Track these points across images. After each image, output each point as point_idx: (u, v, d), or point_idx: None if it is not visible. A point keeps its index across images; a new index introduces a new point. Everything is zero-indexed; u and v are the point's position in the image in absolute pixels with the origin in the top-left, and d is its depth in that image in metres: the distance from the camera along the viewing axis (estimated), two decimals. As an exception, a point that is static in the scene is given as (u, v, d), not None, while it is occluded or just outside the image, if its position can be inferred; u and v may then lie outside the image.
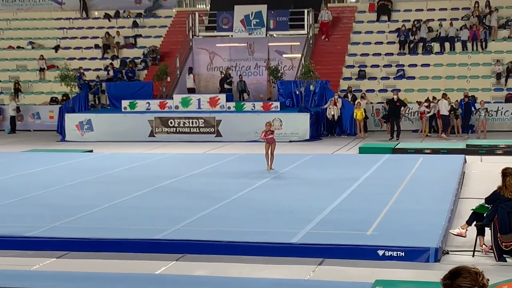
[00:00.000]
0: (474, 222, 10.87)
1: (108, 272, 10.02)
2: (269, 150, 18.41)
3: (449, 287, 4.20)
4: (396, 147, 22.66)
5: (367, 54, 33.27)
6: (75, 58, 35.54)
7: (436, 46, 32.97)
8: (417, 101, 28.66)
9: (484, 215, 10.70)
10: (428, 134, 27.32)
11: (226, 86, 31.73)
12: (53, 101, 33.79)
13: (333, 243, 10.70)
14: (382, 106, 29.03)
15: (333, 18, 34.77)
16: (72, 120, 28.36)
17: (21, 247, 11.20)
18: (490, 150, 21.91)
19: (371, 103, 29.84)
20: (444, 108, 27.09)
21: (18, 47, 37.20)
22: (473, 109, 27.68)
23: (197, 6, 38.36)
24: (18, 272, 9.97)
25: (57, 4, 39.04)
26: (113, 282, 9.43)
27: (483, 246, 10.58)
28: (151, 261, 10.49)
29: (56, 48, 36.57)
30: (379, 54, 33.17)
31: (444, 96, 27.65)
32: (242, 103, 28.75)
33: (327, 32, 33.00)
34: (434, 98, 28.17)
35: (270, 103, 28.38)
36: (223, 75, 32.10)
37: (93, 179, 17.51)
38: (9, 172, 18.65)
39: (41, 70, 35.27)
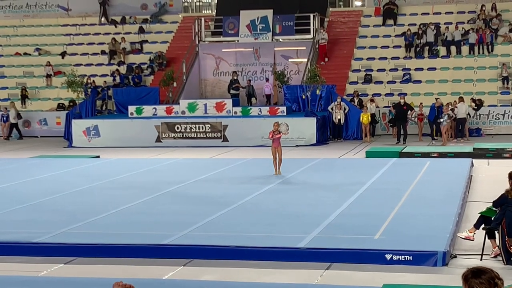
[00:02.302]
0: (482, 226, 10.83)
1: (116, 277, 10.00)
2: (276, 155, 18.42)
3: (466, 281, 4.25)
4: (403, 151, 22.61)
5: (373, 58, 33.25)
6: (81, 64, 35.64)
7: (442, 50, 32.94)
8: (447, 103, 27.47)
9: (492, 218, 10.67)
10: (435, 138, 27.16)
11: (232, 91, 31.75)
12: (60, 107, 33.86)
13: (340, 247, 10.67)
14: (389, 110, 29.00)
15: (339, 22, 34.79)
16: (79, 126, 28.42)
17: (29, 253, 11.22)
18: (497, 154, 21.85)
19: (377, 107, 29.78)
20: (462, 111, 27.04)
21: (25, 54, 37.32)
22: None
23: (203, 11, 38.44)
24: (26, 278, 9.99)
25: (64, 10, 39.16)
26: None
27: (496, 248, 10.51)
28: (159, 267, 10.50)
29: (63, 54, 36.68)
30: (385, 58, 33.15)
31: (462, 99, 27.61)
32: (249, 108, 28.76)
33: (325, 54, 32.56)
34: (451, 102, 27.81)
35: (277, 107, 28.38)
36: (235, 78, 32.05)
37: (100, 185, 17.53)
38: (16, 178, 18.69)
39: (48, 76, 35.37)
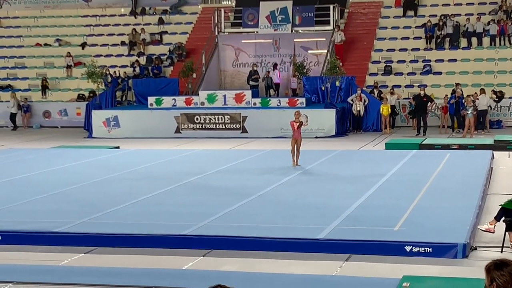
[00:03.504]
0: (503, 218, 10.77)
1: (135, 267, 10.08)
2: (295, 146, 18.38)
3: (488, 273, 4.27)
4: (423, 143, 22.54)
5: (393, 50, 33.10)
6: (101, 55, 35.74)
7: (463, 41, 32.71)
8: (468, 95, 27.32)
9: (513, 211, 10.60)
10: (460, 130, 26.95)
11: (251, 82, 31.71)
12: (80, 98, 34.03)
13: (360, 239, 10.66)
14: (409, 101, 28.88)
15: (359, 14, 34.65)
16: (99, 116, 28.55)
17: (50, 243, 11.30)
18: (519, 146, 21.70)
19: (398, 99, 29.62)
20: (483, 103, 26.87)
21: (45, 45, 37.49)
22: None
23: (223, 2, 38.38)
24: (47, 267, 10.07)
25: (84, 1, 39.27)
26: (140, 277, 9.49)
27: (512, 242, 10.48)
28: (179, 257, 10.54)
29: (83, 45, 36.82)
30: (406, 50, 32.98)
31: (483, 91, 27.42)
32: (268, 99, 28.74)
33: (341, 55, 31.87)
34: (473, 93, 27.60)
35: (296, 99, 28.34)
36: (254, 69, 31.93)
37: (120, 175, 17.61)
38: (36, 168, 18.82)
39: (68, 67, 35.52)
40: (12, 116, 32.57)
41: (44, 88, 34.63)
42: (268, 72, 32.07)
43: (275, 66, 31.92)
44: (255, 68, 32.06)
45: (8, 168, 19.05)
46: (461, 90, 27.75)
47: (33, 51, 37.26)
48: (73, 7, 39.18)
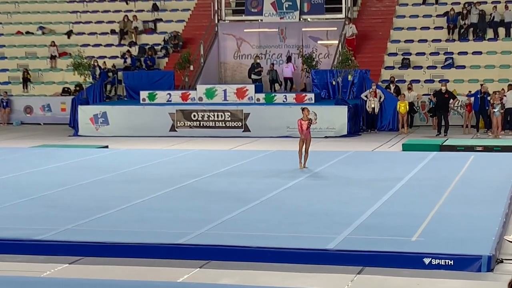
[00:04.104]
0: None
1: (126, 279, 10.10)
2: (304, 147, 18.38)
3: None
4: (444, 143, 22.55)
5: (412, 41, 33.09)
6: (89, 45, 35.79)
7: (489, 32, 32.69)
8: (494, 92, 27.00)
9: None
10: (486, 130, 26.88)
11: (253, 76, 31.71)
12: (65, 91, 34.08)
13: (373, 249, 10.67)
14: (429, 98, 28.88)
15: (374, 1, 34.65)
16: (85, 112, 28.59)
17: (31, 252, 11.31)
18: (550, 148, 21.70)
19: (418, 98, 29.48)
20: (510, 100, 26.87)
21: (27, 33, 37.53)
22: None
23: (224, -13, 38.41)
24: (28, 279, 10.08)
25: (70, -15, 39.33)
26: (131, 290, 9.51)
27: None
28: (173, 268, 10.55)
29: (69, 33, 36.85)
30: (425, 41, 32.98)
31: (510, 87, 27.43)
32: (273, 94, 28.77)
33: (354, 48, 31.52)
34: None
35: (304, 94, 28.35)
36: (257, 62, 31.91)
37: (109, 177, 17.64)
38: (17, 169, 18.85)
39: (52, 57, 35.57)
40: None
41: (26, 80, 34.68)
42: (273, 64, 32.08)
43: (288, 59, 31.85)
44: (257, 61, 32.07)
45: (-15, 169, 19.10)
46: (487, 86, 27.72)
47: (13, 40, 37.31)
48: (58, -8, 39.22)
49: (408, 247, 10.75)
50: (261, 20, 33.82)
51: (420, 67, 32.03)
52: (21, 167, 19.32)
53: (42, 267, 10.69)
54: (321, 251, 10.76)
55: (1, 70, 36.07)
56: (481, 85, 27.87)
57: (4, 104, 33.11)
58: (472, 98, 27.75)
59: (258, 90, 28.79)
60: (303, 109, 18.79)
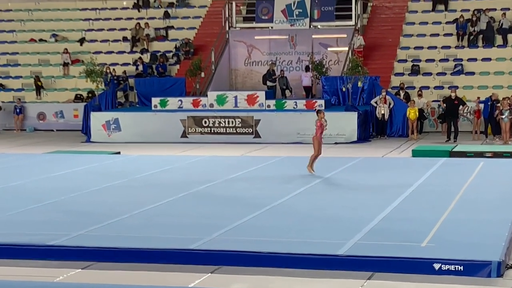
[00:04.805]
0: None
1: (137, 285, 10.10)
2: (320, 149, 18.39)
3: None
4: (453, 150, 22.50)
5: (422, 47, 33.05)
6: (101, 52, 35.90)
7: (498, 39, 32.62)
8: (503, 98, 26.90)
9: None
10: (495, 137, 26.75)
11: (269, 83, 31.66)
12: (78, 98, 34.16)
13: (384, 255, 10.64)
14: (438, 104, 28.82)
15: (384, 8, 34.63)
16: (98, 119, 28.66)
17: (44, 257, 11.33)
18: (559, 154, 21.62)
19: (427, 105, 29.35)
20: None
21: (40, 40, 37.69)
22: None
23: (234, -6, 38.47)
24: (41, 284, 10.10)
25: (83, -7, 39.46)
26: (143, 295, 9.52)
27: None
28: (184, 273, 10.55)
29: (81, 41, 36.98)
30: (435, 47, 32.93)
31: None
32: (283, 101, 28.76)
33: (362, 57, 31.35)
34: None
35: (314, 101, 28.34)
36: (273, 69, 31.85)
37: (121, 183, 17.67)
38: (30, 175, 18.91)
39: (65, 64, 35.69)
40: None
41: (39, 87, 34.79)
42: (283, 71, 32.06)
43: (307, 68, 31.71)
44: (273, 68, 31.99)
45: (-1, 175, 19.17)
46: (497, 94, 27.63)
47: (27, 47, 37.46)
48: (70, 0, 39.35)
49: (418, 253, 10.72)
50: (272, 27, 33.86)
51: (430, 74, 31.97)
52: (34, 173, 19.38)
53: (55, 272, 10.70)
54: (331, 256, 10.74)
55: (15, 77, 36.21)
56: (492, 93, 27.78)
57: (18, 110, 33.22)
58: (481, 105, 27.68)
59: (268, 96, 28.79)
60: (319, 112, 18.85)
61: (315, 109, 19.13)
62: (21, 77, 36.15)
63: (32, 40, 37.79)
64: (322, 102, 27.91)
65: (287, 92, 31.54)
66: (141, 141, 27.49)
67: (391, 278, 10.15)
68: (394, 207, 14.21)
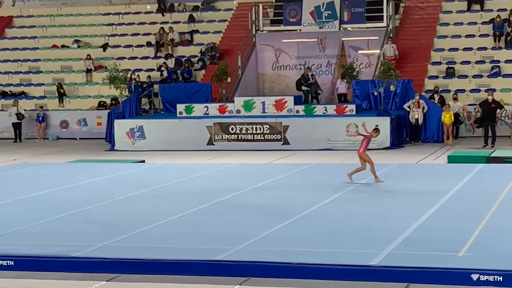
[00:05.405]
0: None
1: (164, 297, 10.12)
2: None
3: None
4: (491, 155, 22.35)
5: (457, 49, 32.89)
6: (125, 58, 36.11)
7: (537, 39, 32.40)
8: None
9: None
10: None
11: (304, 88, 31.61)
12: (101, 105, 34.37)
13: (419, 265, 10.58)
14: (474, 108, 28.66)
15: (417, 8, 34.51)
16: (122, 127, 28.80)
17: (68, 269, 11.38)
18: None
19: (463, 109, 29.17)
20: None
21: (63, 46, 37.99)
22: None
23: (261, -3, 38.54)
24: (65, 297, 10.16)
25: (105, -3, 39.76)
26: (169, 308, 9.53)
27: None
28: (211, 285, 10.55)
29: (105, 46, 37.22)
30: (471, 49, 32.75)
31: None
32: (312, 106, 28.74)
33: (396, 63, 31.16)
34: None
35: (345, 106, 28.29)
36: (308, 74, 31.82)
37: (146, 192, 17.73)
38: (53, 185, 19.02)
39: (88, 71, 35.93)
40: (14, 127, 32.89)
41: (61, 95, 35.04)
42: (313, 75, 32.01)
43: (343, 77, 31.58)
44: (308, 72, 31.92)
45: (21, 185, 19.31)
46: None
47: (49, 54, 37.77)
48: (93, 4, 39.67)
49: (455, 263, 10.65)
50: (300, 30, 33.87)
51: (466, 76, 31.79)
52: (57, 182, 19.50)
53: (79, 285, 10.75)
54: (364, 267, 10.69)
55: (37, 84, 36.52)
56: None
57: (40, 119, 33.49)
58: None
59: (297, 102, 28.77)
60: (377, 130, 19.16)
61: (376, 126, 19.31)
62: (43, 84, 36.46)
63: (54, 46, 38.10)
64: (353, 107, 27.86)
65: (320, 97, 31.42)
66: (166, 149, 27.58)
67: (427, 290, 10.10)
68: (430, 216, 14.13)
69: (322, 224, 13.73)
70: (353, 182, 18.18)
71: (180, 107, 29.21)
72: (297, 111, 28.21)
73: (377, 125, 19.79)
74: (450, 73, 31.97)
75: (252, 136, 27.65)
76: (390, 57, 31.46)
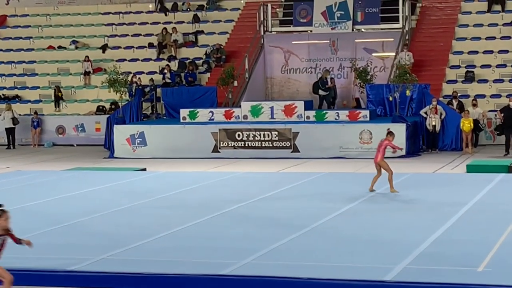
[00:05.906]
0: None
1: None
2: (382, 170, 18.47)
3: None
4: (512, 164, 22.36)
5: (476, 52, 32.88)
6: (125, 60, 36.18)
7: (562, 41, 32.40)
8: None
9: None
10: None
11: (321, 92, 31.60)
12: (100, 110, 34.44)
13: (436, 281, 10.58)
14: (495, 115, 28.63)
15: (435, 8, 34.52)
16: (122, 132, 28.85)
17: (64, 283, 11.42)
18: None
19: (483, 116, 29.14)
20: None
21: (60, 47, 38.08)
22: None
23: (270, -4, 38.62)
24: (61, 312, 10.19)
25: (105, -4, 39.88)
26: (171, 325, 9.55)
27: None
28: (216, 301, 10.59)
29: (104, 47, 37.30)
30: (491, 52, 32.75)
31: None
32: (324, 111, 28.75)
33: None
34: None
35: (358, 111, 28.29)
36: (326, 77, 31.83)
37: (147, 203, 17.76)
38: (49, 194, 19.07)
39: (86, 73, 36.00)
40: (7, 132, 32.96)
41: (58, 99, 35.12)
42: (332, 79, 32.02)
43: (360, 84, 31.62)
44: (326, 76, 31.91)
45: (14, 194, 19.31)
46: None
47: (45, 55, 37.87)
48: (92, 3, 39.80)
49: (474, 278, 10.66)
50: (311, 31, 33.90)
51: (486, 81, 31.78)
52: (53, 192, 19.55)
53: (76, 300, 10.80)
54: (377, 282, 10.70)
55: (32, 87, 36.61)
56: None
57: (35, 124, 33.55)
58: None
59: (308, 107, 28.78)
60: (391, 133, 19.15)
61: (388, 129, 19.30)
62: (38, 87, 36.55)
63: (50, 47, 38.20)
64: (367, 112, 27.86)
65: (339, 102, 31.47)
66: (168, 157, 27.62)
67: (444, 307, 10.10)
68: (447, 228, 14.13)
69: (333, 237, 13.75)
70: (365, 194, 18.19)
71: (184, 112, 29.25)
72: (308, 117, 28.23)
73: (388, 128, 19.70)
74: (469, 77, 31.95)
75: (259, 143, 27.67)
76: (406, 65, 31.31)
